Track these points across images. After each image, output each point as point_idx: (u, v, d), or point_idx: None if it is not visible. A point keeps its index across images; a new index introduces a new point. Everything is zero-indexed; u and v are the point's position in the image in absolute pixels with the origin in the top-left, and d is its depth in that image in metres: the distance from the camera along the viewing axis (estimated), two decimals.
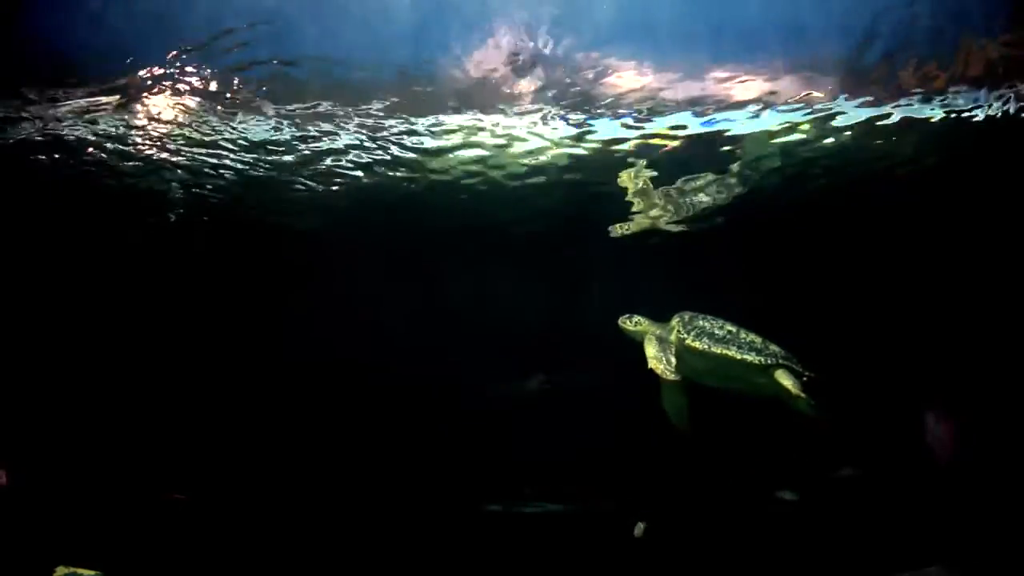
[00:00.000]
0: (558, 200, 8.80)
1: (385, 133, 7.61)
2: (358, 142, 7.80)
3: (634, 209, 9.00)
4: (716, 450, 8.72)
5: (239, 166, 8.31)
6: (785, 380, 6.65)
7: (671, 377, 7.01)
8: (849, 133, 7.50)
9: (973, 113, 7.21)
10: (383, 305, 9.66)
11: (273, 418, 9.82)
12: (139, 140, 7.85)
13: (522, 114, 7.21)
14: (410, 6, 6.35)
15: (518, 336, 9.64)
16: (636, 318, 7.43)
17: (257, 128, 7.59)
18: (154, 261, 9.97)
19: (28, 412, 8.92)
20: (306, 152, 8.00)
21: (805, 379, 6.69)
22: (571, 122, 7.38)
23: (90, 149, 7.96)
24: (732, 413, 7.88)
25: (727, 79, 6.74)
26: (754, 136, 7.54)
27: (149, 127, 7.63)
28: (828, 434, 7.63)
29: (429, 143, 7.74)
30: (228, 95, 7.13)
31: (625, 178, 8.41)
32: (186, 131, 7.69)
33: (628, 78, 6.72)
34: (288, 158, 8.11)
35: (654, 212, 9.06)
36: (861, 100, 6.98)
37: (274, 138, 7.74)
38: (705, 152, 7.83)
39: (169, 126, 7.60)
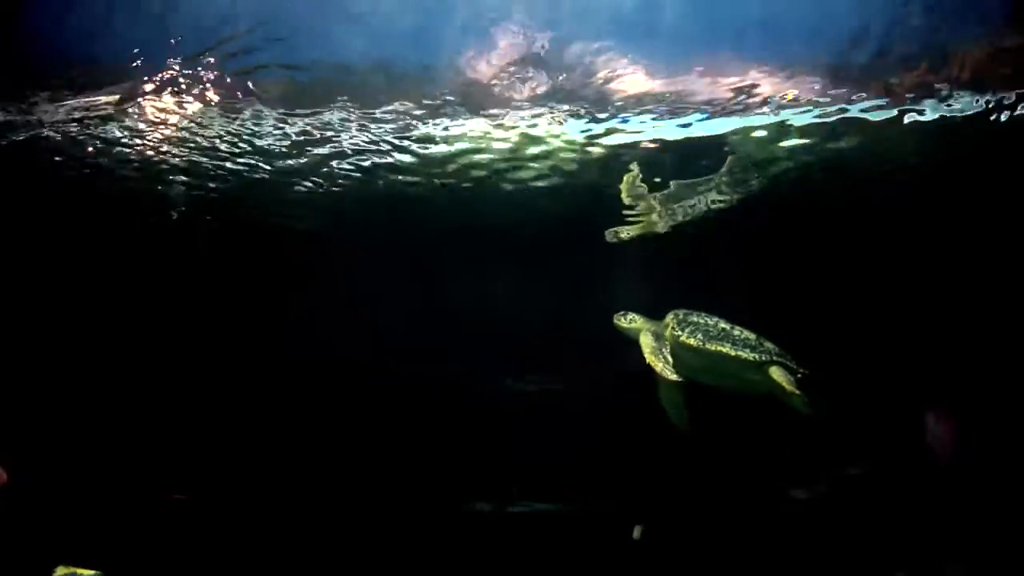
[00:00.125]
0: (559, 202, 8.81)
1: (387, 135, 7.64)
2: (360, 143, 7.83)
3: (631, 214, 9.04)
4: (712, 450, 8.71)
5: (240, 167, 8.35)
6: (779, 377, 6.67)
7: (670, 376, 7.00)
8: (847, 133, 7.51)
9: (971, 114, 7.22)
10: (381, 305, 9.69)
11: (273, 418, 9.86)
12: (140, 141, 7.87)
13: (524, 115, 7.23)
14: (413, 7, 6.36)
15: (513, 337, 9.64)
16: (631, 315, 7.45)
17: (258, 129, 7.63)
18: (155, 261, 9.98)
19: (29, 412, 8.93)
20: (307, 153, 8.03)
21: (799, 376, 6.70)
22: (573, 123, 7.42)
23: (90, 149, 7.99)
24: (728, 412, 7.89)
25: (728, 79, 6.76)
26: (746, 142, 7.58)
27: (150, 128, 7.65)
28: (825, 432, 7.65)
29: (431, 144, 7.77)
30: (229, 96, 7.15)
31: (624, 184, 8.46)
32: (187, 132, 7.71)
33: (629, 79, 6.74)
34: (289, 160, 8.15)
35: (651, 217, 9.09)
36: (859, 100, 6.99)
37: (276, 139, 7.78)
38: (704, 154, 7.87)
39: (170, 127, 7.62)
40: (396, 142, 7.76)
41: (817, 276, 9.16)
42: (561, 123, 7.44)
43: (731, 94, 6.88)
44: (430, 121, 7.39)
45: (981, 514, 7.72)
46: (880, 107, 7.08)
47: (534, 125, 7.39)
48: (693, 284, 8.44)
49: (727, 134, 7.50)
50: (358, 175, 8.44)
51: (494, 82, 6.79)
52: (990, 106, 7.08)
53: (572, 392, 9.76)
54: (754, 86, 6.77)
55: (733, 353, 6.77)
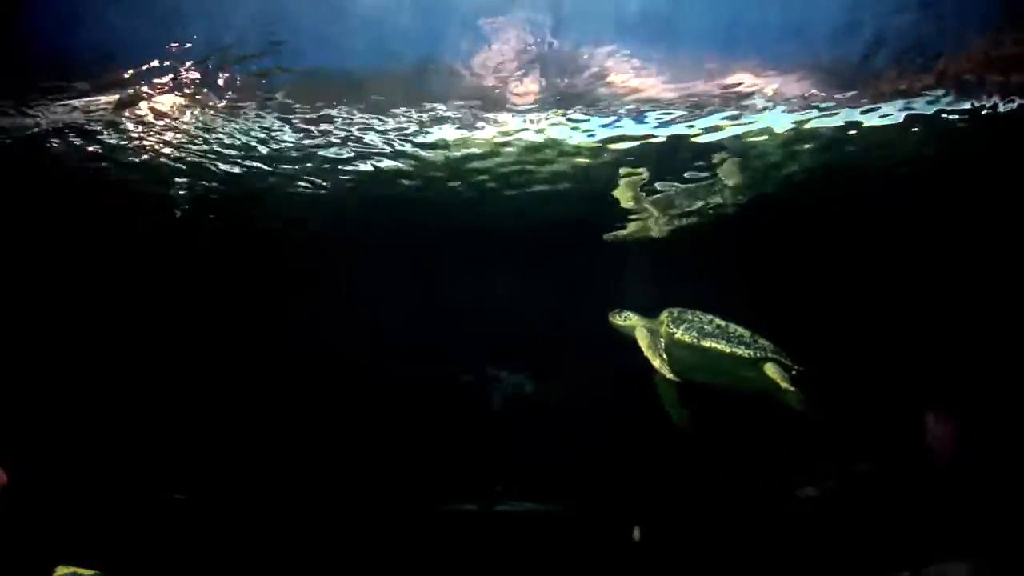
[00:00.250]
0: (559, 202, 8.83)
1: (389, 134, 7.65)
2: (361, 143, 7.84)
3: (630, 217, 9.03)
4: (707, 449, 8.70)
5: (242, 168, 8.37)
6: (774, 373, 6.65)
7: (668, 374, 7.00)
8: (844, 133, 7.49)
9: (969, 113, 7.19)
10: (377, 306, 9.71)
11: (273, 418, 9.87)
12: (141, 141, 7.90)
13: (524, 117, 7.24)
14: (415, 6, 6.32)
15: (506, 337, 9.66)
16: (625, 313, 7.44)
17: (259, 129, 7.65)
18: (155, 261, 10.04)
19: (30, 412, 8.97)
20: (309, 154, 8.05)
21: (794, 373, 6.67)
22: (574, 123, 7.41)
23: (90, 150, 8.01)
24: (723, 411, 7.86)
25: (727, 79, 6.75)
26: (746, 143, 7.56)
27: (151, 129, 7.68)
28: (821, 430, 7.62)
29: (433, 144, 7.79)
30: (231, 97, 7.15)
31: (622, 188, 8.45)
32: (188, 133, 7.73)
33: (630, 80, 6.73)
34: (291, 161, 8.18)
35: (648, 221, 9.08)
36: (860, 101, 6.98)
37: (277, 138, 7.79)
38: (704, 155, 7.86)
39: (171, 128, 7.64)
40: (398, 143, 7.78)
41: (815, 276, 9.15)
42: (561, 123, 7.44)
43: (731, 95, 6.88)
44: (432, 122, 7.41)
45: (984, 513, 7.67)
46: (880, 107, 7.09)
47: (540, 128, 7.42)
48: (690, 284, 8.44)
49: (728, 135, 7.49)
50: (359, 176, 8.45)
51: (496, 84, 6.79)
52: (990, 105, 7.06)
53: (564, 392, 9.78)
54: (754, 87, 6.77)
55: (728, 350, 6.76)
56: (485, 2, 6.19)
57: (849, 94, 6.89)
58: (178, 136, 7.79)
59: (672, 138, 7.52)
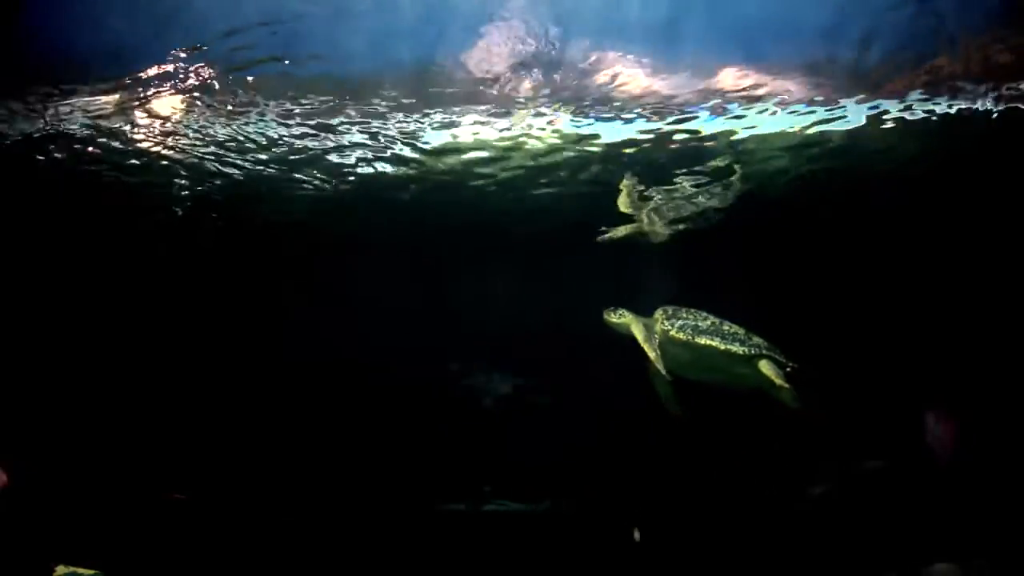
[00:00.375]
0: (559, 201, 8.84)
1: (389, 133, 7.67)
2: (361, 142, 7.87)
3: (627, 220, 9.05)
4: (701, 449, 8.69)
5: (242, 165, 8.40)
6: (768, 370, 6.64)
7: (661, 367, 7.01)
8: (843, 133, 7.51)
9: (966, 113, 7.18)
10: (375, 305, 9.71)
11: (273, 417, 9.89)
12: (142, 139, 7.94)
13: (524, 115, 7.26)
14: (415, 6, 6.37)
15: (497, 338, 9.66)
16: (620, 310, 7.44)
17: (259, 128, 7.67)
18: (155, 261, 10.08)
19: (29, 412, 9.00)
20: (309, 151, 8.08)
21: (788, 370, 6.65)
22: (574, 123, 7.43)
23: (91, 148, 8.06)
24: (718, 410, 7.85)
25: (727, 80, 6.78)
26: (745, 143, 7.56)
27: (151, 127, 7.72)
28: (820, 429, 7.60)
29: (433, 143, 7.83)
30: (232, 95, 7.19)
31: (621, 195, 8.44)
32: (189, 131, 7.77)
33: (630, 79, 6.76)
34: (291, 159, 8.21)
35: (644, 221, 9.08)
36: (860, 101, 6.99)
37: (276, 137, 7.82)
38: (703, 155, 7.88)
39: (171, 126, 7.68)
40: (399, 144, 7.82)
41: (812, 276, 9.12)
42: (561, 124, 7.46)
43: (731, 95, 6.90)
44: (433, 123, 7.46)
45: (984, 513, 7.63)
46: (880, 108, 7.12)
47: (537, 125, 7.46)
48: (687, 284, 8.46)
49: (727, 136, 7.50)
50: (359, 173, 8.47)
51: (495, 81, 6.82)
52: (989, 105, 7.04)
53: (555, 392, 9.78)
54: (754, 87, 6.80)
55: (722, 347, 6.75)
56: (486, 3, 6.24)
57: (849, 94, 6.90)
58: (179, 136, 7.84)
59: (672, 139, 7.53)
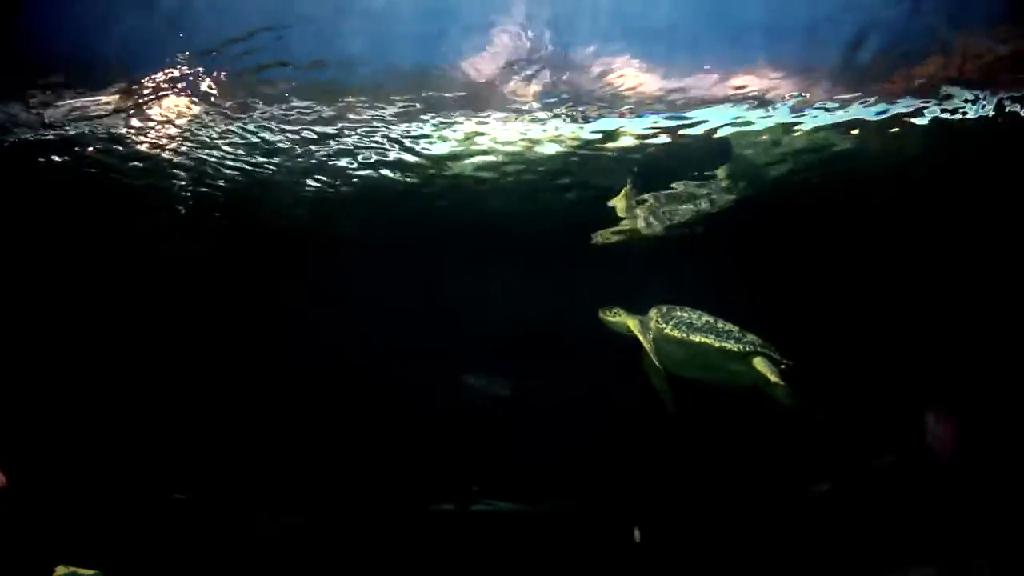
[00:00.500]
0: (558, 201, 8.83)
1: (390, 135, 7.70)
2: (364, 144, 7.89)
3: (623, 224, 9.04)
4: (691, 448, 8.70)
5: (243, 167, 8.43)
6: (763, 367, 6.63)
7: (655, 359, 7.04)
8: (846, 134, 7.49)
9: (964, 113, 7.16)
10: (373, 305, 9.74)
11: (273, 418, 9.91)
12: (142, 140, 7.97)
13: (525, 116, 7.27)
14: (416, 8, 6.40)
15: (490, 338, 9.67)
16: (615, 309, 7.47)
17: (260, 129, 7.71)
18: (156, 262, 10.12)
19: (28, 412, 9.04)
20: (309, 153, 8.11)
21: (783, 367, 6.64)
22: (573, 123, 7.44)
23: (91, 149, 8.09)
24: (714, 409, 7.85)
25: (728, 80, 6.77)
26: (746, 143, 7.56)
27: (153, 127, 7.75)
28: (817, 428, 7.60)
29: (434, 145, 7.85)
30: (234, 96, 7.22)
31: (619, 200, 8.45)
32: (191, 131, 7.80)
33: (631, 79, 6.76)
34: (293, 159, 8.23)
35: (639, 223, 9.09)
36: (860, 102, 6.97)
37: (277, 139, 7.85)
38: (702, 155, 7.86)
39: (173, 126, 7.71)
40: (401, 142, 7.82)
41: (809, 276, 9.11)
42: (562, 125, 7.47)
43: (732, 95, 6.90)
44: (434, 124, 7.47)
45: (984, 513, 7.60)
46: (880, 108, 7.08)
47: (542, 128, 7.46)
48: (682, 284, 8.43)
49: (727, 136, 7.50)
50: (362, 175, 8.50)
51: (496, 83, 6.84)
52: (990, 106, 7.03)
53: (546, 392, 9.80)
54: (755, 87, 6.79)
55: (717, 344, 6.75)
56: (486, 4, 6.27)
57: (849, 94, 6.89)
58: (180, 134, 7.86)
59: (672, 141, 7.54)
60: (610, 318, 7.52)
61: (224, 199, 9.07)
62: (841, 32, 6.29)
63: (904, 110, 7.07)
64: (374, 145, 7.89)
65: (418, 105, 7.20)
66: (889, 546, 7.81)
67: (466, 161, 8.12)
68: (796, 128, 7.36)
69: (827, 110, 7.07)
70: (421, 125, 7.50)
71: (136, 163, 8.37)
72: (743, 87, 6.78)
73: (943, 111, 7.10)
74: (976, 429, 8.21)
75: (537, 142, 7.72)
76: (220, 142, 7.95)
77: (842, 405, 8.12)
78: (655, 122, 7.27)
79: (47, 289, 9.74)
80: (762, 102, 6.97)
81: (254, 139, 7.84)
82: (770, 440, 8.53)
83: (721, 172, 8.30)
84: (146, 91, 7.19)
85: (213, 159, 8.28)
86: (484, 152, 7.91)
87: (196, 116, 7.51)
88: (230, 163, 8.35)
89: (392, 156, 8.12)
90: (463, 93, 7.01)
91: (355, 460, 9.79)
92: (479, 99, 7.09)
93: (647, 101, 6.98)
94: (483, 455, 9.68)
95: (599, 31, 6.44)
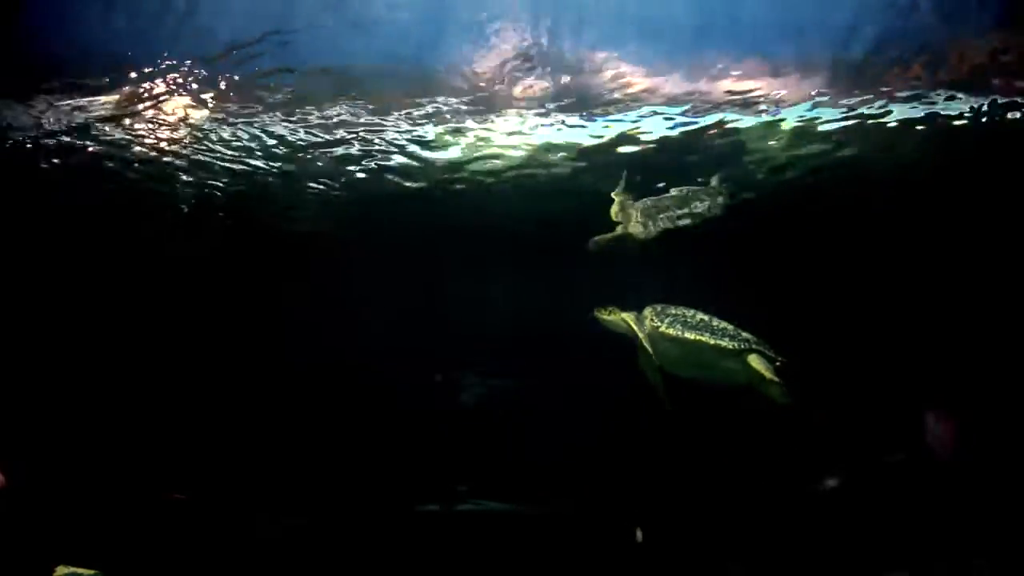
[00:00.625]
0: (559, 201, 8.86)
1: (392, 137, 7.73)
2: (365, 144, 7.93)
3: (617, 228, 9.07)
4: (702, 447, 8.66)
5: (243, 168, 8.48)
6: (758, 365, 6.63)
7: (650, 350, 7.04)
8: (846, 134, 7.50)
9: (963, 114, 7.18)
10: (373, 305, 9.76)
11: (274, 418, 9.94)
12: (142, 141, 8.04)
13: (526, 117, 7.32)
14: (419, 10, 6.45)
15: (482, 338, 9.68)
16: (611, 308, 7.48)
17: (260, 131, 7.75)
18: (157, 262, 10.16)
19: (28, 412, 9.08)
20: (312, 155, 8.17)
21: (778, 364, 6.63)
22: (573, 123, 7.47)
23: (91, 150, 8.16)
24: (711, 408, 7.84)
25: (729, 80, 6.82)
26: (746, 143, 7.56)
27: (152, 129, 7.82)
28: (816, 427, 7.59)
29: (436, 145, 7.92)
30: (235, 98, 7.29)
31: (615, 204, 8.48)
32: (191, 134, 7.88)
33: (631, 79, 6.82)
34: (293, 161, 8.28)
35: (634, 227, 9.09)
36: (860, 102, 7.00)
37: (278, 141, 7.90)
38: (702, 155, 7.92)
39: (174, 128, 7.79)
40: (402, 144, 7.86)
41: (807, 277, 9.10)
42: (561, 125, 7.49)
43: (732, 95, 6.94)
44: (435, 123, 7.53)
45: (984, 513, 7.57)
46: (880, 108, 7.13)
47: (544, 129, 7.52)
48: (680, 284, 8.42)
49: (727, 135, 7.51)
50: (364, 177, 8.54)
51: (497, 84, 6.88)
52: (991, 108, 7.03)
53: (536, 391, 9.80)
54: (756, 88, 6.84)
55: (712, 342, 6.75)
56: (486, 4, 6.30)
57: (850, 95, 6.90)
58: (180, 136, 7.92)
59: (671, 139, 7.53)
60: (606, 316, 7.52)
61: (223, 201, 9.16)
62: (841, 32, 6.32)
63: (900, 112, 7.09)
64: (377, 148, 7.92)
65: (420, 107, 7.28)
66: (889, 546, 7.78)
67: (469, 164, 8.16)
68: (796, 128, 7.37)
69: (827, 111, 7.09)
70: (423, 127, 7.56)
71: (135, 163, 8.43)
72: (746, 91, 6.83)
73: (945, 111, 7.14)
74: (976, 429, 8.18)
75: (535, 144, 7.75)
76: (221, 143, 7.99)
77: (841, 405, 8.09)
78: (656, 123, 7.30)
79: (48, 289, 9.79)
80: (762, 104, 6.98)
81: (251, 144, 7.89)
82: (769, 439, 8.52)
83: (720, 173, 8.31)
84: (148, 93, 7.25)
85: (213, 159, 8.32)
86: (483, 152, 7.94)
87: (197, 115, 7.57)
88: (229, 164, 8.39)
89: (395, 160, 8.15)
90: (463, 93, 7.07)
91: (356, 461, 9.80)
92: (480, 100, 7.15)
93: (647, 102, 7.02)
94: (483, 455, 9.67)
95: (602, 32, 6.50)
